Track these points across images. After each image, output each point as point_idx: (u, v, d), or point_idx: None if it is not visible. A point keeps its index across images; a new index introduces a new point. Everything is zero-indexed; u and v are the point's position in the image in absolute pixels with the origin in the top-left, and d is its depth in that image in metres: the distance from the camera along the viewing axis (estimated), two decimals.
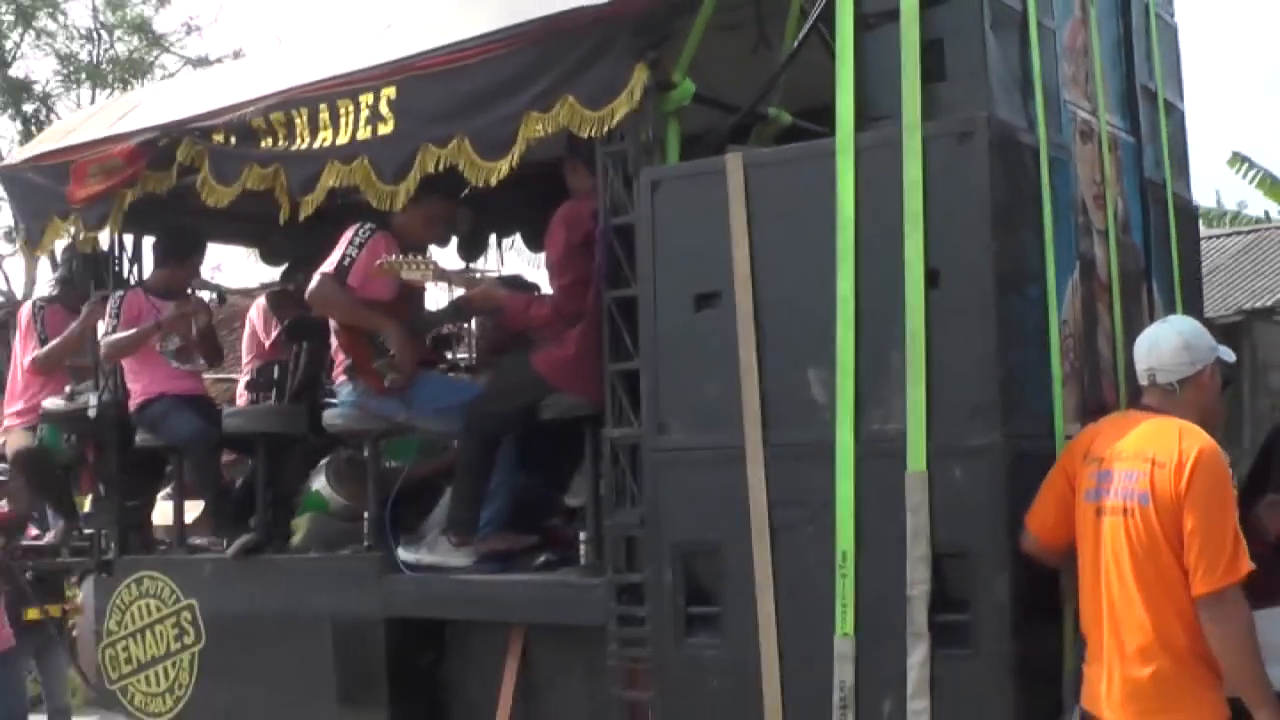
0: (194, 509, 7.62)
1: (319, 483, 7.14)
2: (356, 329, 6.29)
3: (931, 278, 4.57)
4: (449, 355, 8.03)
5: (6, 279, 22.31)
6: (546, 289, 6.51)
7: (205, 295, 7.90)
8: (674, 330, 5.13)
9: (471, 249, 8.45)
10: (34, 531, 8.41)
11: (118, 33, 22.05)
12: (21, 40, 21.73)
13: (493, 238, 8.69)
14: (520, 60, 5.51)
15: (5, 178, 7.67)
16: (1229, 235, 20.01)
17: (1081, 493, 4.42)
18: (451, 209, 6.60)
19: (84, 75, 21.94)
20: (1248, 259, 18.09)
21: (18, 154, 7.90)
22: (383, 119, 5.91)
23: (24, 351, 8.03)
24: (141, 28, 22.20)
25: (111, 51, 22.02)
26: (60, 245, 7.84)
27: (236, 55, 20.18)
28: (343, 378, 6.35)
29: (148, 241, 7.65)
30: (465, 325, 8.09)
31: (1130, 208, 5.72)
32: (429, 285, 6.72)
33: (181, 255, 7.41)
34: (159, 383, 7.12)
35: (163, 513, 7.75)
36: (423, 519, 6.74)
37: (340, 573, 6.40)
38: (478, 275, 7.53)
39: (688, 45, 5.42)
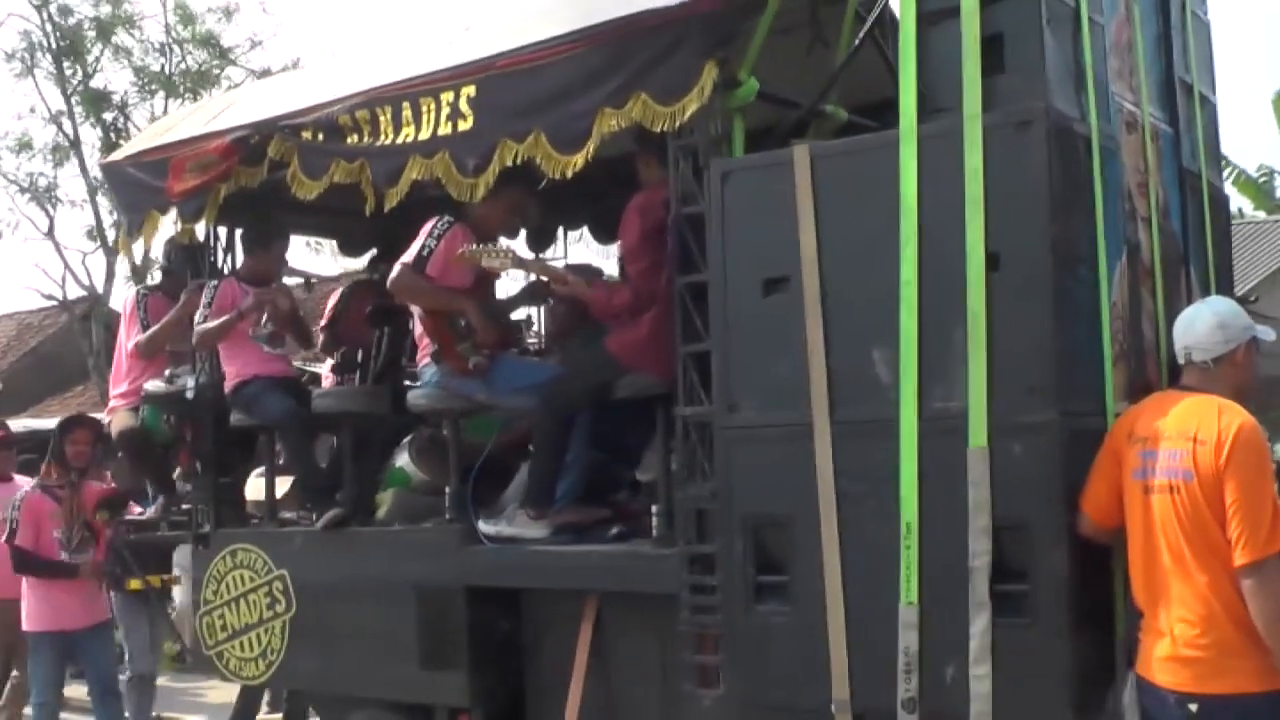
0: (282, 485, 7.58)
1: (402, 460, 7.10)
2: (440, 315, 6.25)
3: (991, 261, 4.50)
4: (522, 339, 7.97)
5: (89, 274, 22.39)
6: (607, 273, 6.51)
7: (294, 281, 7.90)
8: (743, 313, 5.07)
9: (540, 240, 8.38)
10: (137, 509, 8.38)
11: (188, 47, 22.22)
12: (101, 54, 21.92)
13: (560, 230, 8.59)
14: (596, 59, 5.45)
15: (108, 173, 7.69)
16: None
17: (1129, 472, 4.37)
18: (526, 201, 6.52)
19: (157, 86, 22.14)
20: None
21: (118, 152, 7.83)
22: (463, 115, 5.86)
23: (128, 337, 8.06)
24: (209, 42, 22.43)
25: (183, 64, 22.25)
26: (158, 239, 7.80)
27: (295, 65, 20.28)
28: (427, 360, 6.31)
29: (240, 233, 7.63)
30: (533, 312, 8.02)
31: (1169, 196, 5.63)
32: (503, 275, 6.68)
33: (265, 244, 7.39)
34: (252, 365, 7.11)
35: (254, 488, 7.71)
36: (499, 494, 6.72)
37: (423, 544, 6.37)
38: (552, 263, 7.43)
39: (753, 45, 5.38)
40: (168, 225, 7.30)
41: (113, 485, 8.45)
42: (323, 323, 7.86)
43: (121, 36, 21.93)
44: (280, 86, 7.20)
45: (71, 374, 26.99)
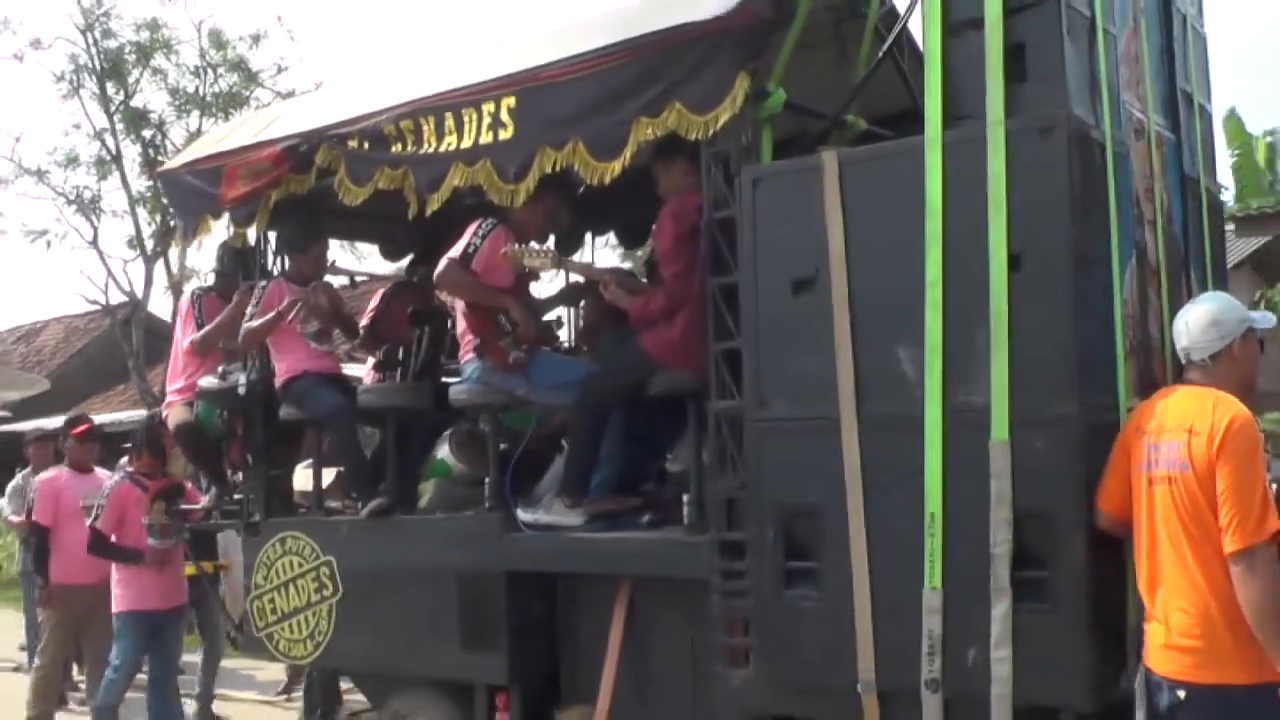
0: (327, 476, 7.52)
1: (443, 452, 7.05)
2: (484, 312, 6.22)
3: (1013, 262, 4.44)
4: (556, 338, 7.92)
5: (129, 281, 22.68)
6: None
7: (338, 280, 7.86)
8: (773, 313, 5.00)
9: (569, 244, 8.31)
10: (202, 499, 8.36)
11: (220, 70, 22.44)
12: (141, 76, 22.12)
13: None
14: (634, 70, 5.39)
15: (165, 180, 7.66)
16: None
17: (1136, 465, 4.30)
18: (561, 207, 6.45)
19: (192, 106, 22.34)
20: None
21: (174, 160, 7.79)
22: (503, 125, 5.81)
23: (183, 335, 8.01)
24: (239, 66, 22.58)
25: (215, 86, 22.42)
26: (210, 241, 7.75)
27: (317, 87, 20.55)
28: (469, 355, 6.27)
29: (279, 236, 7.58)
30: (563, 312, 7.95)
31: (1172, 200, 5.55)
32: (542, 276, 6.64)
33: (302, 247, 7.31)
34: (301, 362, 7.06)
35: (302, 479, 7.66)
36: (535, 484, 6.69)
37: (464, 532, 6.30)
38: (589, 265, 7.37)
39: (780, 58, 5.35)
40: (220, 229, 7.26)
41: (169, 477, 8.37)
42: (364, 322, 7.80)
43: (159, 60, 22.21)
44: (327, 98, 7.14)
45: (114, 373, 27.31)
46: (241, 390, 7.36)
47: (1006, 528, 4.40)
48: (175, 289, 22.20)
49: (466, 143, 5.93)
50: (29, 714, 8.87)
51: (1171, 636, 4.14)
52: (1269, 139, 21.53)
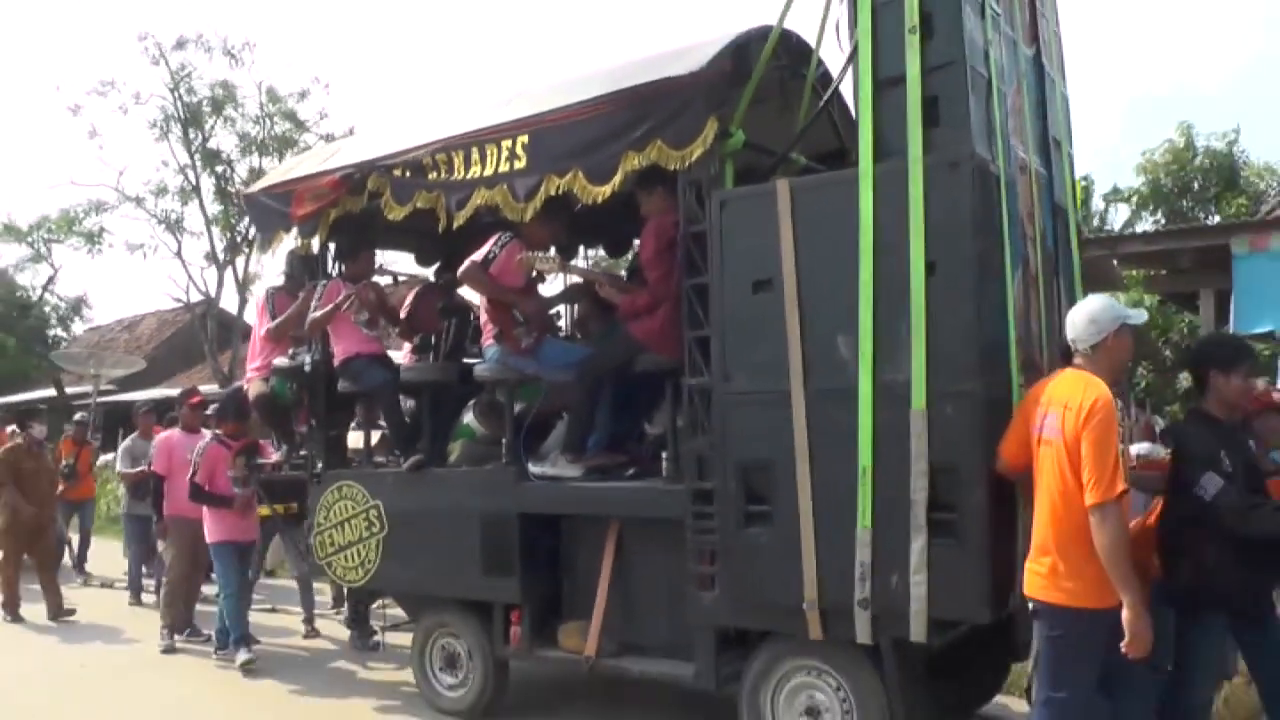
0: (373, 437, 7.43)
1: (468, 418, 6.99)
2: (503, 307, 6.15)
3: (929, 268, 4.42)
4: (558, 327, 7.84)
5: (205, 284, 23.10)
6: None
7: (384, 280, 7.81)
8: (737, 307, 4.95)
9: (566, 254, 8.19)
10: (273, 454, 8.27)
11: (275, 118, 22.63)
12: (215, 123, 22.38)
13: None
14: (625, 114, 5.30)
15: (247, 201, 7.52)
16: None
17: (1031, 428, 4.28)
18: (561, 223, 6.34)
19: (254, 147, 22.56)
20: None
21: (255, 185, 7.66)
22: (518, 157, 5.72)
23: (260, 325, 7.95)
24: (290, 115, 22.82)
25: (272, 131, 22.57)
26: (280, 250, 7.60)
27: (350, 132, 20.63)
28: (490, 341, 6.18)
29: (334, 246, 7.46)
30: (561, 307, 7.86)
31: (1046, 223, 5.51)
32: (548, 278, 6.57)
33: (353, 255, 7.19)
34: (355, 345, 6.94)
35: (354, 439, 7.58)
36: (541, 443, 6.63)
37: (485, 482, 6.19)
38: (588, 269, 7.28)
39: (740, 107, 5.29)
40: (289, 240, 7.12)
41: (249, 437, 8.26)
42: (402, 314, 7.69)
43: (229, 111, 22.46)
44: (375, 136, 7.00)
45: (193, 357, 27.90)
46: (307, 368, 7.26)
47: (923, 479, 4.39)
48: (241, 291, 22.66)
49: (488, 171, 5.83)
50: (163, 622, 8.84)
51: (1032, 562, 4.19)
52: (1084, 183, 21.88)
